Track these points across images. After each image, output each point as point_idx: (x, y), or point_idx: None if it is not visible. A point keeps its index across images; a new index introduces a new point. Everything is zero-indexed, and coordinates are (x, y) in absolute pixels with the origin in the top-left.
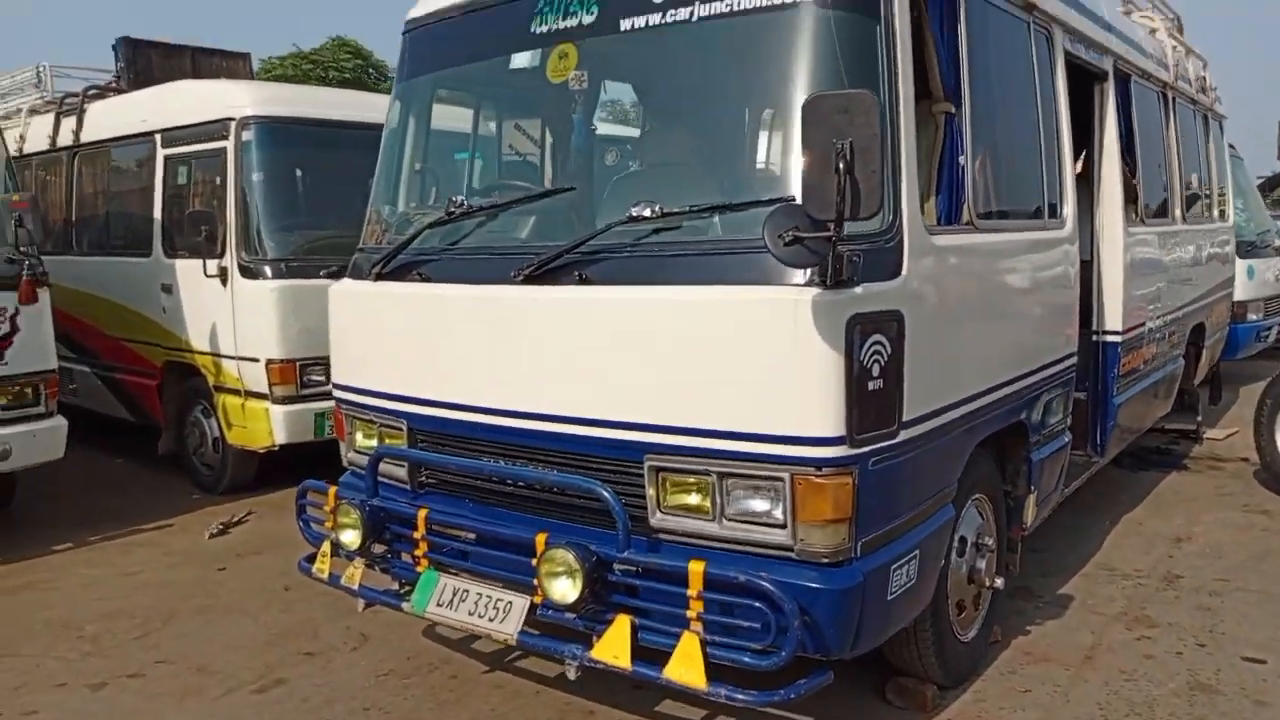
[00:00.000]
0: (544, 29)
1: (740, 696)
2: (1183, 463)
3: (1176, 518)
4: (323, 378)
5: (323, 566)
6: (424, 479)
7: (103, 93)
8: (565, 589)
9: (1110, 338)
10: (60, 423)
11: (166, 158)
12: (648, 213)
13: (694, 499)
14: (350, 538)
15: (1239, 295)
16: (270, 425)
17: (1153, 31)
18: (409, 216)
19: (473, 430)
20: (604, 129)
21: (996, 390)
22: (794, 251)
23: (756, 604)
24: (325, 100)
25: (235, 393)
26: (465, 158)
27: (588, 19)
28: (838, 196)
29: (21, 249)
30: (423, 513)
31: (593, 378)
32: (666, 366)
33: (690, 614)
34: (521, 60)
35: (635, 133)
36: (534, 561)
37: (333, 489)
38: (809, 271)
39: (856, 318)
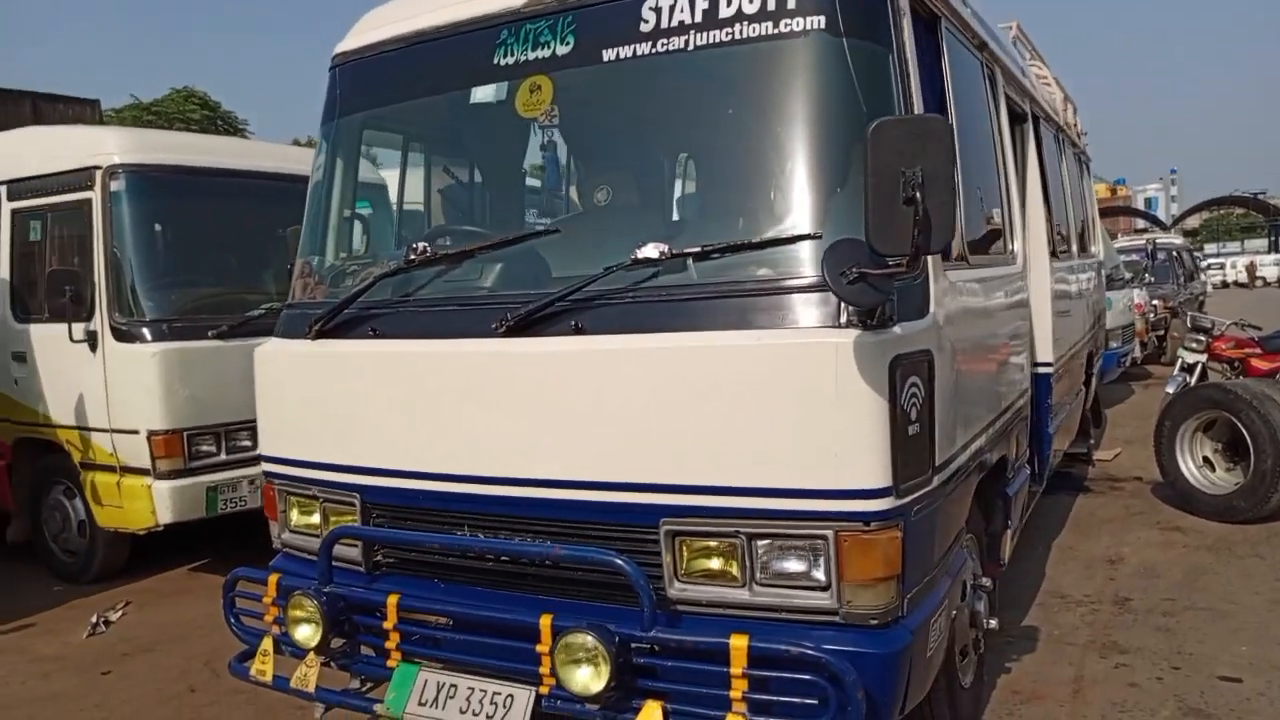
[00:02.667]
0: (509, 60)
1: None
2: (1085, 484)
3: (1102, 539)
4: (213, 448)
5: (263, 668)
6: (380, 559)
7: None
8: (588, 678)
9: (1043, 369)
10: None
11: (14, 212)
12: (655, 254)
13: (717, 564)
14: (307, 633)
15: None
16: (153, 503)
17: (1042, 79)
18: (344, 268)
19: (446, 501)
20: (581, 165)
21: (991, 426)
22: (858, 290)
23: (809, 678)
24: (201, 146)
25: (108, 469)
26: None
27: (562, 50)
28: (914, 229)
29: None
30: (393, 599)
31: (596, 436)
32: (683, 420)
33: (734, 694)
34: (484, 94)
35: (615, 168)
36: (539, 648)
37: (273, 577)
38: (845, 311)
39: (898, 359)
